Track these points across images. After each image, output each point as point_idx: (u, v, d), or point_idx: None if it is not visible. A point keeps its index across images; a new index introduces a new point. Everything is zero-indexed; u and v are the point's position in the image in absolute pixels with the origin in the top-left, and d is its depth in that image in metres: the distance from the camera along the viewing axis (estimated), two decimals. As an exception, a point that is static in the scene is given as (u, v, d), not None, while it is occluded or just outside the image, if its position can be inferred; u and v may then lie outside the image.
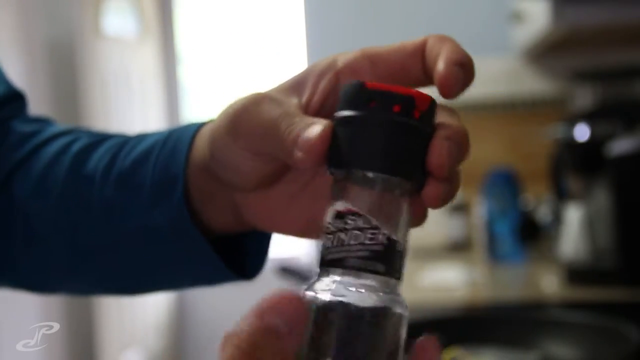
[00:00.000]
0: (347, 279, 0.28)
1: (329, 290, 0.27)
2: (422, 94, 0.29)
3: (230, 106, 0.37)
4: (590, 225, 1.43)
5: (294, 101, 0.36)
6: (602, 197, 1.41)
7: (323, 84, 0.36)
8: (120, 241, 0.46)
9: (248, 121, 0.35)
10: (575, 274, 1.42)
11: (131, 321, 2.49)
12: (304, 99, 0.36)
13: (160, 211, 0.42)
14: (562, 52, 2.08)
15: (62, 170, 0.48)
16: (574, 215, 1.43)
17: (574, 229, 1.44)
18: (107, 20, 2.51)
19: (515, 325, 1.07)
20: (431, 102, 0.29)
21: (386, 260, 0.28)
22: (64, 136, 0.50)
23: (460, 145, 0.31)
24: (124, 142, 0.47)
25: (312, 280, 0.28)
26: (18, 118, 0.52)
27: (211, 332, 3.28)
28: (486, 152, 2.13)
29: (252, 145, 0.36)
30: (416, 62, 0.34)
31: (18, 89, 0.53)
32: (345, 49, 0.44)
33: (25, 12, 2.24)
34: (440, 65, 0.32)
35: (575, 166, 1.48)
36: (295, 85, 0.37)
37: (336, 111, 0.29)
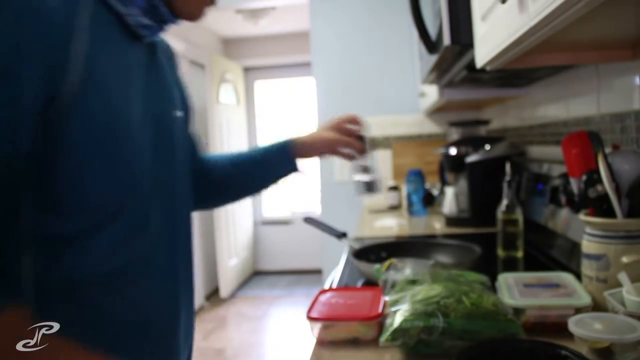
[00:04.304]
0: (363, 174, 1.01)
1: (364, 176, 1.01)
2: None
3: (319, 135, 0.91)
4: (457, 196, 1.67)
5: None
6: (463, 183, 1.63)
7: (332, 131, 0.94)
8: (265, 181, 0.90)
9: (323, 143, 0.90)
10: (450, 220, 1.68)
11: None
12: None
13: (283, 164, 0.90)
14: (443, 112, 2.56)
15: (229, 160, 0.89)
16: (449, 192, 1.68)
17: (449, 198, 1.69)
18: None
19: (421, 246, 1.17)
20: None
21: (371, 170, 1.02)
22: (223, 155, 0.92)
23: None
24: (250, 150, 0.91)
25: (357, 174, 1.01)
26: None
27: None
28: (408, 161, 2.56)
29: (330, 150, 0.92)
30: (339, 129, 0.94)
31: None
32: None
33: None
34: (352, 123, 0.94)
35: (450, 168, 1.71)
36: (329, 128, 0.94)
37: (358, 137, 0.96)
